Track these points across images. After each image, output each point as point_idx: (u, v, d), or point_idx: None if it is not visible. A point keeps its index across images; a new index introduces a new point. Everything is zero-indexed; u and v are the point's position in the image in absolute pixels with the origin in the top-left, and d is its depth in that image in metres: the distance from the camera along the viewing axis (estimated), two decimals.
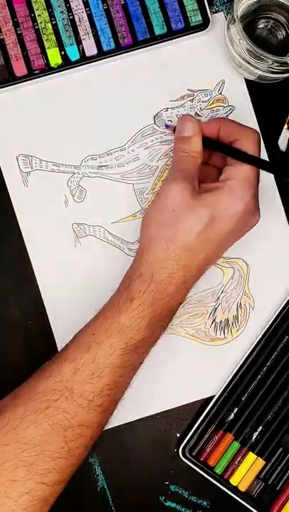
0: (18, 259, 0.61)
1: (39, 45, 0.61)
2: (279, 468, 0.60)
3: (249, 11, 0.59)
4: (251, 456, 0.59)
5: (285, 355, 0.60)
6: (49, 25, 0.61)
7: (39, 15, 0.61)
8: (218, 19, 0.63)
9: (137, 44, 0.61)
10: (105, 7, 0.61)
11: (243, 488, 0.59)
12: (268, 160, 0.58)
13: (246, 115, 0.62)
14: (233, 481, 0.59)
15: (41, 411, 0.50)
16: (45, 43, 0.61)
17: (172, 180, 0.54)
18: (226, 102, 0.63)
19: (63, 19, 0.61)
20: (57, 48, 0.61)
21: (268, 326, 0.61)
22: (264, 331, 0.61)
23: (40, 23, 0.61)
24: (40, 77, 0.61)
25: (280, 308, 0.61)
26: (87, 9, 0.61)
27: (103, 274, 0.61)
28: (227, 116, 0.62)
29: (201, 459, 0.60)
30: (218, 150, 0.56)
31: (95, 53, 0.61)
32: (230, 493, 0.59)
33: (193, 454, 0.60)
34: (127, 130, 0.62)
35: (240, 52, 0.58)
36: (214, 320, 0.62)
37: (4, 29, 0.61)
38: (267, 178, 0.62)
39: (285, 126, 0.62)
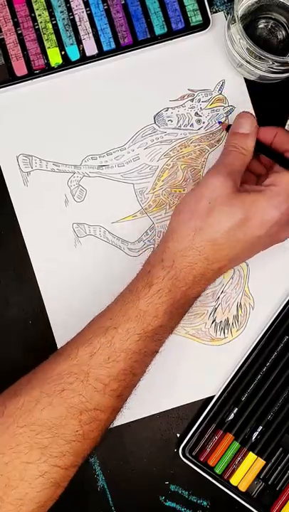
0: (18, 259, 0.61)
1: (39, 45, 0.61)
2: (279, 468, 0.60)
3: (249, 11, 0.59)
4: (251, 456, 0.59)
5: (285, 355, 0.60)
6: (49, 25, 0.61)
7: (39, 15, 0.61)
8: (219, 19, 0.63)
9: (137, 44, 0.61)
10: (105, 7, 0.61)
11: (243, 488, 0.59)
12: None
13: None
14: (233, 481, 0.59)
15: (57, 393, 0.50)
16: (45, 42, 0.61)
17: (216, 173, 0.53)
18: (226, 101, 0.63)
19: (63, 19, 0.61)
20: (57, 48, 0.61)
21: (268, 326, 0.61)
22: (264, 331, 0.61)
23: (41, 22, 0.61)
24: (40, 77, 0.61)
25: (280, 308, 0.61)
26: (88, 9, 0.61)
27: (103, 273, 0.61)
28: (227, 116, 0.62)
29: (201, 459, 0.60)
30: (269, 155, 0.56)
31: (95, 53, 0.61)
32: (230, 493, 0.59)
33: (193, 454, 0.60)
34: (127, 130, 0.62)
35: (240, 52, 0.58)
36: (214, 320, 0.62)
37: (4, 29, 0.61)
38: None
39: (287, 123, 0.61)
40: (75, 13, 0.61)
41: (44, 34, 0.61)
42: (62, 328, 0.61)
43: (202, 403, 0.61)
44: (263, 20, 0.60)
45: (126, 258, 0.62)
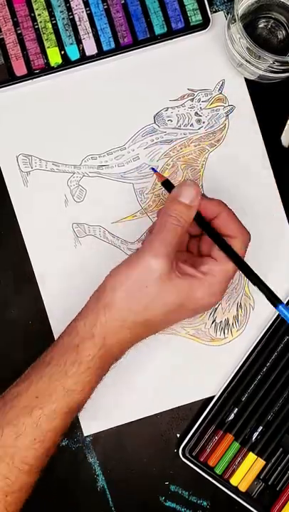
0: (18, 259, 0.61)
1: (39, 44, 0.61)
2: (279, 468, 0.60)
3: (249, 11, 0.59)
4: (251, 457, 0.59)
5: (285, 355, 0.60)
6: (49, 25, 0.61)
7: (39, 14, 0.61)
8: (218, 19, 0.63)
9: (137, 44, 0.61)
10: (105, 6, 0.61)
11: (243, 488, 0.59)
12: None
13: (246, 115, 0.62)
14: (233, 481, 0.59)
15: None
16: (45, 42, 0.61)
17: (153, 255, 0.51)
18: (226, 101, 0.63)
19: (63, 19, 0.61)
20: (57, 48, 0.61)
21: (268, 326, 0.61)
22: (264, 330, 0.61)
23: (40, 22, 0.61)
24: (40, 76, 0.61)
25: None
26: (87, 9, 0.61)
27: (103, 274, 0.61)
28: (227, 115, 0.62)
29: (201, 459, 0.60)
30: (210, 236, 0.54)
31: (95, 53, 0.61)
32: (230, 493, 0.59)
33: (194, 454, 0.60)
34: (127, 130, 0.62)
35: (240, 52, 0.58)
36: (214, 320, 0.62)
37: (4, 29, 0.61)
38: (267, 178, 0.62)
39: (288, 123, 0.61)
40: (74, 12, 0.61)
41: (44, 34, 0.61)
42: (62, 328, 0.61)
43: (202, 403, 0.61)
44: (263, 20, 0.60)
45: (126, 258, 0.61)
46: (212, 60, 0.63)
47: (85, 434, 0.60)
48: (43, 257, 0.61)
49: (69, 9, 0.61)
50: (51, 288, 0.61)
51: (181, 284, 0.52)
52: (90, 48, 0.61)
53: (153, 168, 0.60)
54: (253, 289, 0.62)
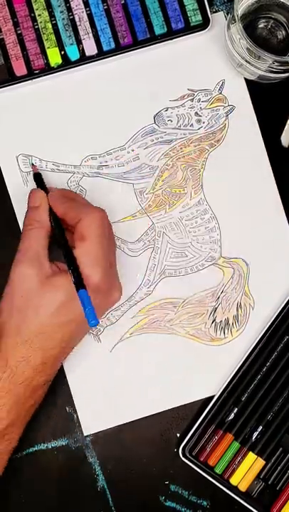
0: None
1: (39, 45, 0.61)
2: (279, 468, 0.60)
3: (249, 11, 0.59)
4: (251, 456, 0.59)
5: (285, 355, 0.60)
6: (49, 25, 0.61)
7: (39, 15, 0.61)
8: (218, 19, 0.63)
9: (137, 44, 0.61)
10: (105, 7, 0.61)
11: (243, 488, 0.59)
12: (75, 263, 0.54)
13: (246, 115, 0.62)
14: (233, 481, 0.59)
15: None
16: (45, 42, 0.61)
17: (20, 264, 0.53)
18: (226, 101, 0.63)
19: (63, 19, 0.61)
20: (57, 48, 0.61)
21: (267, 326, 0.61)
22: (264, 331, 0.61)
23: (40, 22, 0.61)
24: (40, 77, 0.61)
25: (280, 308, 0.61)
26: (87, 9, 0.61)
27: None
28: (227, 115, 0.62)
29: (201, 459, 0.60)
30: (57, 231, 0.55)
31: (95, 53, 0.61)
32: (230, 493, 0.59)
33: (193, 454, 0.60)
34: (127, 130, 0.62)
35: (240, 52, 0.58)
36: (214, 320, 0.62)
37: (4, 29, 0.61)
38: (267, 178, 0.62)
39: (288, 123, 0.61)
40: (74, 13, 0.61)
41: (44, 34, 0.61)
42: None
43: (202, 403, 0.61)
44: (263, 20, 0.60)
45: (126, 258, 0.62)
46: (212, 60, 0.63)
47: (85, 434, 0.60)
48: None
49: (69, 9, 0.61)
50: None
51: (59, 280, 0.52)
52: (90, 48, 0.61)
53: (33, 164, 0.61)
54: (253, 289, 0.62)
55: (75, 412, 0.60)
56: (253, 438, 0.60)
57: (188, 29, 0.62)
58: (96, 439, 0.61)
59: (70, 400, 0.60)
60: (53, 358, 0.54)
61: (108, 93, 0.62)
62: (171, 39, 0.61)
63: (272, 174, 0.62)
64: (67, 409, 0.60)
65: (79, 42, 0.61)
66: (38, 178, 0.60)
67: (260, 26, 0.61)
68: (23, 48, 0.61)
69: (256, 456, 0.59)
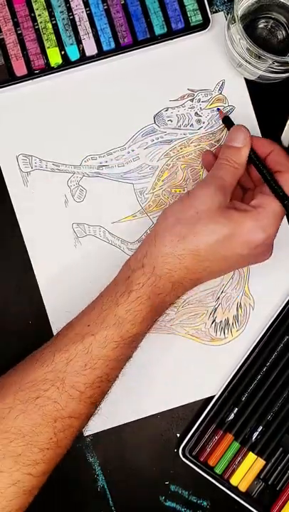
0: (18, 259, 0.61)
1: (39, 44, 0.61)
2: (279, 468, 0.60)
3: (249, 11, 0.59)
4: (251, 456, 0.59)
5: (285, 355, 0.60)
6: (49, 25, 0.61)
7: (39, 15, 0.61)
8: (218, 19, 0.63)
9: (137, 44, 0.61)
10: (105, 7, 0.61)
11: (243, 488, 0.59)
12: None
13: (246, 115, 0.62)
14: (233, 481, 0.59)
15: (31, 401, 0.50)
16: (45, 42, 0.61)
17: (206, 185, 0.54)
18: (226, 101, 0.63)
19: (63, 19, 0.61)
20: (57, 48, 0.61)
21: (267, 326, 0.61)
22: (264, 331, 0.61)
23: (40, 22, 0.61)
24: (40, 77, 0.61)
25: (280, 308, 0.61)
26: (87, 9, 0.61)
27: (103, 273, 0.61)
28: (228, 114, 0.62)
29: (201, 459, 0.60)
30: (261, 174, 0.56)
31: (95, 53, 0.61)
32: (230, 493, 0.59)
33: (193, 454, 0.60)
34: (127, 130, 0.62)
35: (240, 52, 0.58)
36: (214, 320, 0.62)
37: (4, 29, 0.61)
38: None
39: (288, 123, 0.61)
40: (74, 13, 0.61)
41: (44, 34, 0.61)
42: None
43: (202, 403, 0.61)
44: (263, 20, 0.60)
45: (126, 258, 0.61)
46: (212, 60, 0.63)
47: (85, 434, 0.60)
48: (43, 257, 0.61)
49: (69, 9, 0.61)
50: (51, 288, 0.61)
51: (232, 215, 0.52)
52: (90, 48, 0.61)
53: (218, 108, 0.62)
54: (253, 289, 0.62)
55: None
56: (253, 438, 0.60)
57: (188, 29, 0.62)
58: (96, 439, 0.61)
59: None
60: (189, 282, 0.54)
61: (108, 93, 0.62)
62: (171, 39, 0.62)
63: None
64: None
65: (79, 42, 0.61)
66: (227, 120, 0.59)
67: (260, 26, 0.61)
68: (23, 48, 0.61)
69: (256, 457, 0.59)
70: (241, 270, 0.62)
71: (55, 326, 0.61)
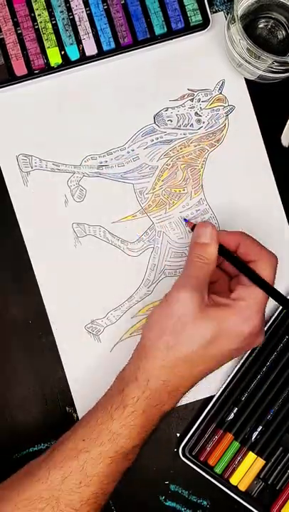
0: (18, 259, 0.61)
1: (39, 44, 0.61)
2: (279, 467, 0.60)
3: (249, 11, 0.59)
4: (251, 456, 0.60)
5: (285, 355, 0.60)
6: (49, 25, 0.61)
7: (39, 14, 0.61)
8: (218, 19, 0.63)
9: (137, 44, 0.61)
10: (105, 7, 0.61)
11: (243, 487, 0.60)
12: (279, 291, 0.56)
13: (246, 115, 0.62)
14: (233, 480, 0.59)
15: None
16: (45, 42, 0.61)
17: (182, 288, 0.53)
18: (226, 101, 0.63)
19: (63, 19, 0.61)
20: (57, 48, 0.61)
21: (267, 326, 0.61)
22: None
23: (40, 22, 0.61)
24: (40, 76, 0.61)
25: (280, 308, 0.61)
26: (87, 9, 0.61)
27: (103, 273, 0.61)
28: (227, 115, 0.62)
29: (201, 459, 0.60)
30: (234, 265, 0.55)
31: (95, 53, 0.61)
32: (230, 492, 0.59)
33: (193, 453, 0.60)
34: (127, 130, 0.62)
35: (240, 52, 0.58)
36: None
37: (4, 29, 0.61)
38: (267, 178, 0.62)
39: (288, 123, 0.61)
40: (74, 13, 0.61)
41: (44, 34, 0.61)
42: (62, 327, 0.61)
43: (202, 403, 0.61)
44: (263, 20, 0.60)
45: (126, 258, 0.62)
46: (212, 60, 0.63)
47: None
48: (43, 257, 0.61)
49: (69, 9, 0.61)
50: (51, 288, 0.61)
51: (214, 313, 0.52)
52: (90, 48, 0.61)
53: (185, 219, 0.61)
54: None
55: (75, 412, 0.60)
56: (253, 438, 0.60)
57: (188, 29, 0.62)
58: None
59: (70, 400, 0.60)
60: (186, 387, 0.54)
61: (108, 93, 0.62)
62: (171, 39, 0.61)
63: (272, 174, 0.62)
64: (67, 409, 0.60)
65: (79, 42, 0.61)
66: (192, 225, 0.58)
67: (260, 26, 0.61)
68: (23, 48, 0.61)
69: (256, 456, 0.60)
70: None
71: (55, 326, 0.61)
